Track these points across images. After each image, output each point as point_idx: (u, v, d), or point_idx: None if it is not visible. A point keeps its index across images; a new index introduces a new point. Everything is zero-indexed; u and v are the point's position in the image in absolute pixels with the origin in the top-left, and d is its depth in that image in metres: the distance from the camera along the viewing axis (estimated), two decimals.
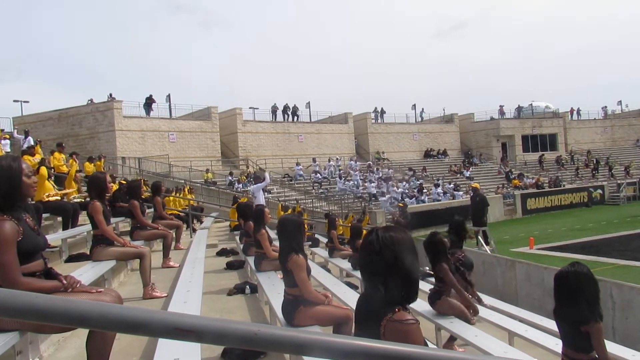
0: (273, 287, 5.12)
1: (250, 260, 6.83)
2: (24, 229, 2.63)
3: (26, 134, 17.40)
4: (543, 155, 41.24)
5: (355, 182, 30.19)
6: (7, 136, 12.18)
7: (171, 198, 14.55)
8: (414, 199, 28.29)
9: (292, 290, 3.94)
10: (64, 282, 2.79)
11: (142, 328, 1.06)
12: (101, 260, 5.09)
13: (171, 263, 7.46)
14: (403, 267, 1.88)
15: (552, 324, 6.06)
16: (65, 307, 1.02)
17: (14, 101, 28.87)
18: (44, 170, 8.07)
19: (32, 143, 15.52)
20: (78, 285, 2.86)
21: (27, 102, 29.18)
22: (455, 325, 4.93)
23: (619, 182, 36.68)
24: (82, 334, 3.28)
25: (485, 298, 7.54)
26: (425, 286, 6.95)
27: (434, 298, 5.30)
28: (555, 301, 3.43)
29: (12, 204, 2.61)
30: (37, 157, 10.92)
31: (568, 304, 3.28)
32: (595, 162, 41.09)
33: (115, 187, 9.74)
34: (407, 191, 29.58)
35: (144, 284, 5.46)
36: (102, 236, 5.20)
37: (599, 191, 35.17)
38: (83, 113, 27.47)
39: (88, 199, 5.59)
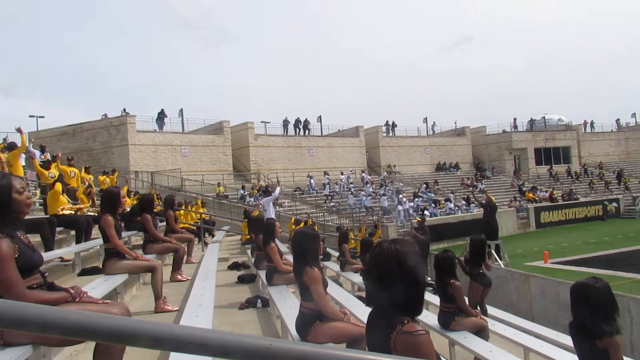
0: (285, 301, 5.10)
1: (262, 274, 6.82)
2: (19, 246, 2.62)
3: (42, 149, 17.60)
4: (551, 168, 41.01)
5: (368, 196, 30.09)
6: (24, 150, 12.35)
7: (182, 212, 14.62)
8: (426, 211, 28.11)
9: (309, 304, 3.85)
10: (72, 291, 2.80)
11: (155, 341, 1.06)
12: (113, 274, 5.11)
13: (179, 277, 7.45)
14: (409, 279, 1.87)
15: (568, 340, 5.95)
16: (77, 320, 1.02)
17: (30, 116, 29.40)
18: (58, 185, 8.17)
19: (42, 158, 15.69)
20: (85, 296, 2.87)
21: (42, 117, 29.69)
22: (469, 341, 4.86)
23: (634, 195, 36.17)
24: (93, 347, 3.29)
25: (500, 313, 7.45)
26: (431, 298, 6.88)
27: (447, 320, 5.22)
28: (572, 315, 3.34)
29: (2, 220, 2.59)
30: (53, 172, 11.06)
31: (585, 318, 3.20)
32: (616, 175, 40.44)
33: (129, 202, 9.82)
34: (421, 204, 29.37)
35: (155, 297, 5.47)
36: (114, 250, 5.23)
37: (614, 204, 34.70)
38: (97, 128, 27.84)
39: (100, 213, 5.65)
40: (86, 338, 1.13)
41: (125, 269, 5.24)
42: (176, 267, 7.55)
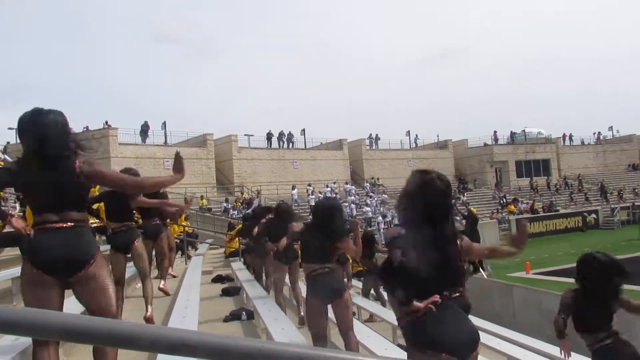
0: (269, 313, 5.08)
1: (246, 285, 6.79)
2: None
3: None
4: (532, 180, 41.72)
5: (352, 203, 30.20)
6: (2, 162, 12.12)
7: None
8: None
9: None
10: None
11: (148, 344, 1.06)
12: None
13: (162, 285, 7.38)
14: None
15: (551, 349, 6.01)
16: (82, 324, 1.02)
17: (9, 129, 28.89)
18: None
19: None
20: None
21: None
22: None
23: (612, 206, 36.85)
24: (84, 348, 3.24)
25: (483, 323, 7.50)
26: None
27: None
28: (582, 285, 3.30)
29: None
30: None
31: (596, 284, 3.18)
32: (599, 187, 41.05)
33: None
34: None
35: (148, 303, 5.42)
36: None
37: (593, 216, 35.29)
38: None
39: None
40: (86, 342, 1.13)
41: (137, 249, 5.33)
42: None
